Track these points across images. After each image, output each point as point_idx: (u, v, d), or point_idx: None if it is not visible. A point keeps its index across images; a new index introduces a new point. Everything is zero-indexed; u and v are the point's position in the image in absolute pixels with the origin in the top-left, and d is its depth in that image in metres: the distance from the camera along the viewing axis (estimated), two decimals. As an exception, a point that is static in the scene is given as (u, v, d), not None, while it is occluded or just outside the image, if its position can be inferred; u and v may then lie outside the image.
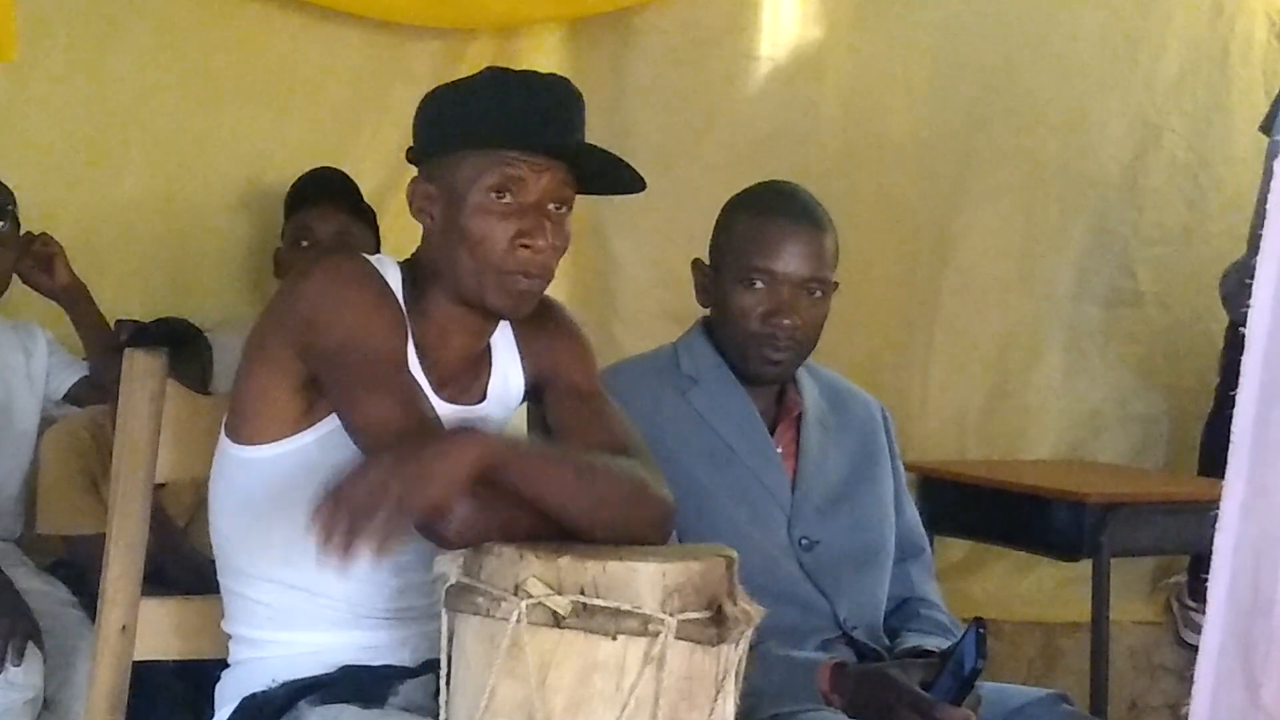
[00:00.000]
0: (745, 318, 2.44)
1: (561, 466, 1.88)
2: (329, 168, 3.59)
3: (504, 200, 1.94)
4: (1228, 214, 4.64)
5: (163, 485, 2.86)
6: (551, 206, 1.96)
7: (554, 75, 2.04)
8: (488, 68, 2.05)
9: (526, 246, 1.94)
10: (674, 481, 1.99)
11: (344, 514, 1.71)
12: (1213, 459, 4.22)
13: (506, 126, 1.94)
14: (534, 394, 2.13)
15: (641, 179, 2.01)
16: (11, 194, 3.25)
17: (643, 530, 1.89)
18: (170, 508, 3.09)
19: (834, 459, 2.54)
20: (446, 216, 1.98)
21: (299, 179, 3.56)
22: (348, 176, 3.57)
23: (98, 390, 3.25)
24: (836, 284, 2.50)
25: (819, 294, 2.45)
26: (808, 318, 2.45)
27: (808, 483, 2.49)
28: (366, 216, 3.54)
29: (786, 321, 2.42)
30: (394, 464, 1.75)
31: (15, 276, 3.27)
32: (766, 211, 2.46)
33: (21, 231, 3.28)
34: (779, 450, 2.50)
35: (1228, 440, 1.27)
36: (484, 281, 1.96)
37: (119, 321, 3.32)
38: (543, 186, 1.94)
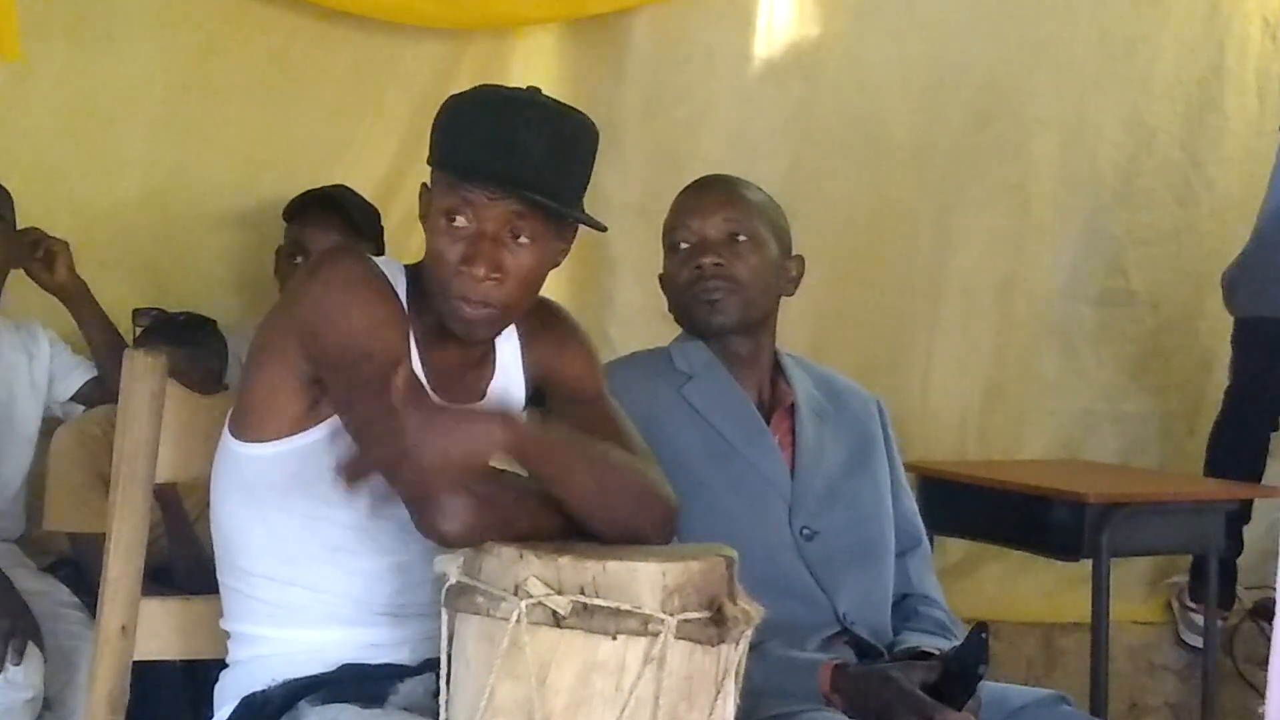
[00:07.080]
0: (678, 276, 2.52)
1: (579, 461, 1.89)
2: (332, 185, 3.54)
3: (455, 224, 1.93)
4: (1220, 214, 4.66)
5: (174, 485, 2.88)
6: (508, 235, 1.93)
7: (555, 112, 1.95)
8: (484, 88, 2.00)
9: (463, 273, 1.93)
10: (673, 477, 1.99)
11: (364, 451, 1.81)
12: (1222, 460, 4.22)
13: (458, 156, 1.93)
14: (537, 398, 2.13)
15: (598, 223, 1.98)
16: (9, 195, 3.24)
17: (647, 530, 1.90)
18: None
19: (831, 450, 2.54)
20: (425, 226, 1.99)
21: (300, 194, 3.50)
22: (350, 194, 3.52)
23: (107, 390, 3.23)
24: (800, 257, 2.56)
25: (744, 241, 2.49)
26: (735, 261, 2.48)
27: (807, 471, 2.49)
28: (365, 233, 3.46)
29: (706, 259, 2.48)
30: (426, 420, 1.78)
31: (13, 274, 3.26)
32: (683, 190, 2.58)
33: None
34: (775, 440, 2.51)
35: (1242, 443, 1.28)
36: (441, 303, 1.98)
37: (138, 310, 3.31)
38: (496, 215, 1.92)
